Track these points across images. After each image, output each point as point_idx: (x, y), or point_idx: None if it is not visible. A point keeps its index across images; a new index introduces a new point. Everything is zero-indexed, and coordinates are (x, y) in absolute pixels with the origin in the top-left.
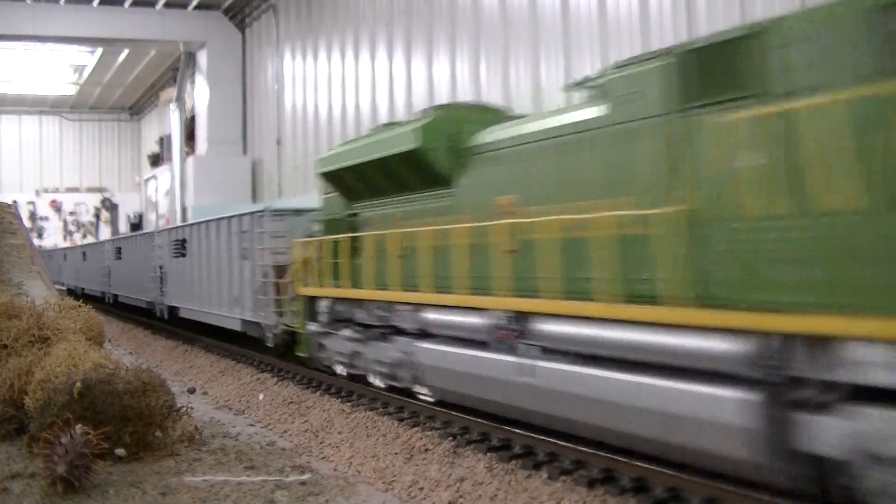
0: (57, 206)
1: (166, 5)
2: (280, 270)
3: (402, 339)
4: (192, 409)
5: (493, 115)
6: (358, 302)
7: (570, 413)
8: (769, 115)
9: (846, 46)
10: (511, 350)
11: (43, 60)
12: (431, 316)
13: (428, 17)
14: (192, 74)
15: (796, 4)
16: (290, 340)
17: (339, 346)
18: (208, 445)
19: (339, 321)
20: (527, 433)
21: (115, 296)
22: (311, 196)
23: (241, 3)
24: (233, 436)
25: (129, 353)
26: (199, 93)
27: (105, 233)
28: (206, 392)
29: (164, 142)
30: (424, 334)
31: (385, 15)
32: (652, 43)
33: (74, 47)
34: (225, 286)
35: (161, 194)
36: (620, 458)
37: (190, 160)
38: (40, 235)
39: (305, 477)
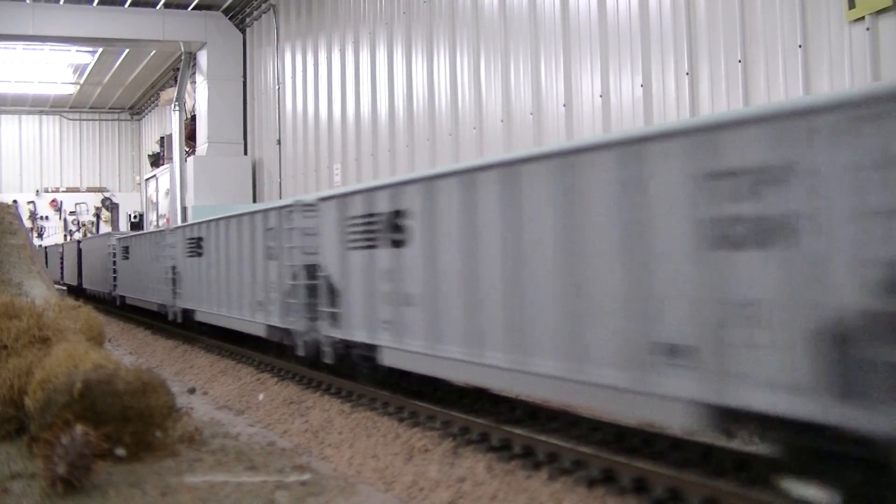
0: (57, 206)
1: (166, 5)
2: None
3: None
4: (192, 409)
5: None
6: None
7: None
8: None
9: None
10: None
11: (43, 60)
12: None
13: (428, 17)
14: (193, 74)
15: (795, 5)
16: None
17: None
18: (208, 445)
19: None
20: (527, 433)
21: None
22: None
23: (241, 3)
24: (233, 436)
25: (129, 353)
26: (200, 93)
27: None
28: (206, 392)
29: (165, 142)
30: None
31: (385, 15)
32: (652, 43)
33: (74, 47)
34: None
35: (161, 194)
36: (620, 459)
37: (190, 160)
38: (40, 235)
39: (305, 477)
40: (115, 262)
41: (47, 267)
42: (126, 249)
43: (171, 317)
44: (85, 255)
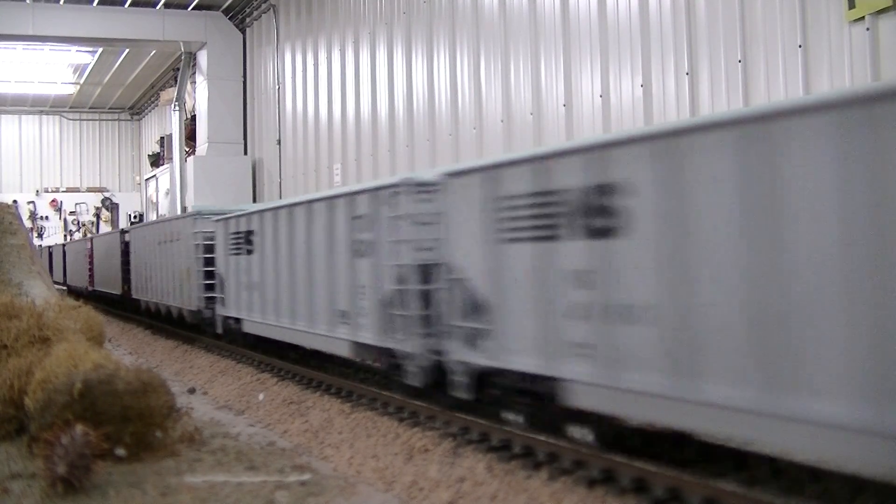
0: (57, 206)
1: (166, 5)
2: None
3: None
4: (192, 409)
5: None
6: None
7: None
8: None
9: None
10: None
11: (43, 60)
12: None
13: (428, 17)
14: (193, 74)
15: (795, 5)
16: None
17: None
18: (208, 445)
19: None
20: (527, 433)
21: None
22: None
23: (241, 3)
24: (233, 436)
25: (129, 353)
26: (200, 93)
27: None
28: (206, 392)
29: (165, 142)
30: None
31: (385, 15)
32: (652, 43)
33: (74, 47)
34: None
35: (161, 194)
36: (620, 459)
37: (190, 160)
38: (40, 235)
39: (305, 477)
40: (210, 262)
41: (66, 270)
42: (246, 238)
43: (416, 379)
44: (137, 251)
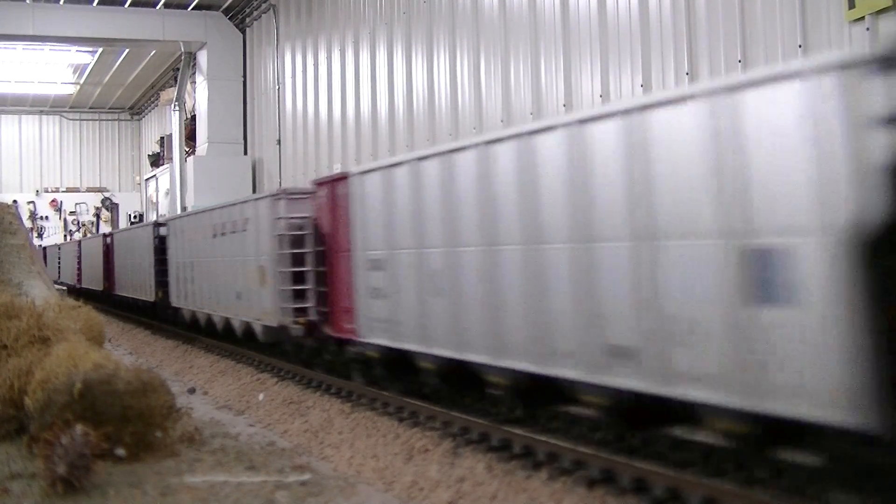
0: (57, 206)
1: (166, 5)
2: None
3: None
4: (192, 409)
5: None
6: None
7: None
8: None
9: None
10: None
11: (43, 60)
12: None
13: (428, 17)
14: (193, 74)
15: (795, 5)
16: None
17: None
18: (208, 445)
19: None
20: (527, 433)
21: None
22: None
23: (241, 3)
24: (233, 436)
25: (129, 353)
26: (200, 93)
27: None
28: (206, 392)
29: (165, 142)
30: None
31: (385, 15)
32: (652, 43)
33: (74, 47)
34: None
35: (161, 194)
36: (620, 459)
37: (190, 160)
38: (40, 235)
39: (305, 477)
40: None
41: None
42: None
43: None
44: None
